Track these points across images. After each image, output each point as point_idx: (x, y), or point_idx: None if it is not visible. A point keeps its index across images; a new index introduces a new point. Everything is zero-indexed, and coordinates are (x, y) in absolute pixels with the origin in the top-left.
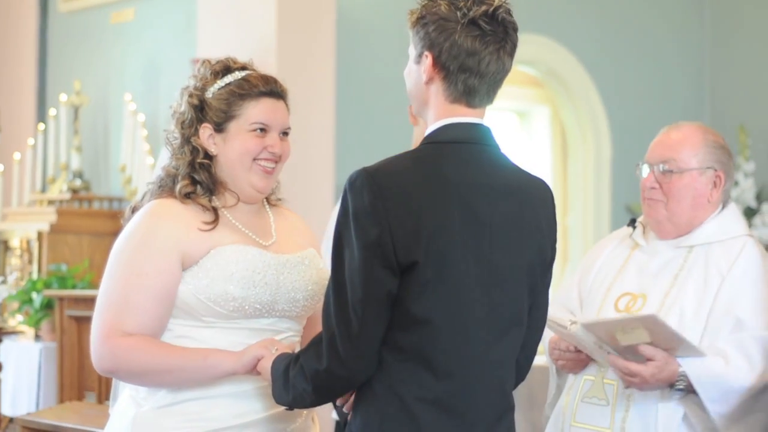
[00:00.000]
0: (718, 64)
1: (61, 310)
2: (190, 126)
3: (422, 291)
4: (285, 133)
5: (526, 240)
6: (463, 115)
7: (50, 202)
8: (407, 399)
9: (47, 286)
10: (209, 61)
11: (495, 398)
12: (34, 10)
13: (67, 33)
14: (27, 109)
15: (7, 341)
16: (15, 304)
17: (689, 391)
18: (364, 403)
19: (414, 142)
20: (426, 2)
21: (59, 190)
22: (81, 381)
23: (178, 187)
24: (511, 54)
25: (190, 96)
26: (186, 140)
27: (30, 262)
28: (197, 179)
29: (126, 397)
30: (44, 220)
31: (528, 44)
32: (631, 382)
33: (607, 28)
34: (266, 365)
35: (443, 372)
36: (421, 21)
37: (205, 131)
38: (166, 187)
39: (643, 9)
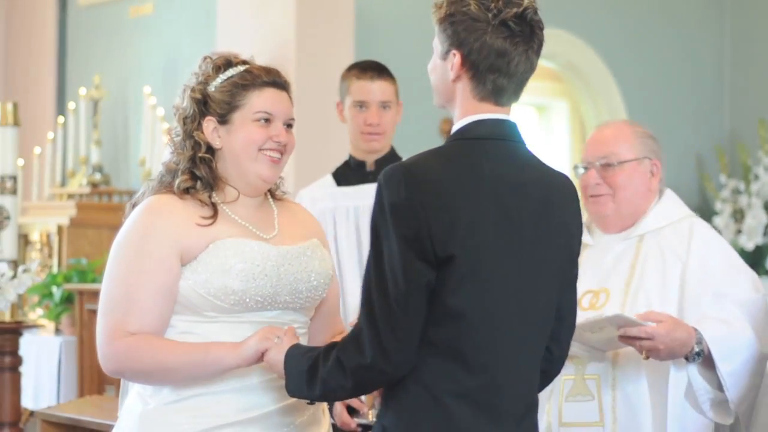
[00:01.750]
0: (738, 58)
1: (81, 303)
2: (192, 121)
3: (458, 285)
4: (289, 125)
5: (555, 235)
6: (491, 112)
7: (70, 196)
8: (439, 393)
9: (67, 280)
10: (210, 57)
11: (524, 392)
12: (54, 4)
13: (87, 27)
14: (47, 103)
15: (28, 335)
16: (35, 298)
17: (705, 356)
18: (395, 399)
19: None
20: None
21: (79, 183)
22: (101, 375)
23: (177, 181)
24: (538, 53)
25: (192, 91)
26: (188, 135)
27: (50, 256)
28: (197, 174)
29: (134, 395)
30: (64, 214)
31: (547, 38)
32: (647, 345)
33: (626, 21)
34: (276, 358)
35: (475, 366)
36: (449, 18)
37: (209, 124)
38: (165, 183)
39: (662, 3)
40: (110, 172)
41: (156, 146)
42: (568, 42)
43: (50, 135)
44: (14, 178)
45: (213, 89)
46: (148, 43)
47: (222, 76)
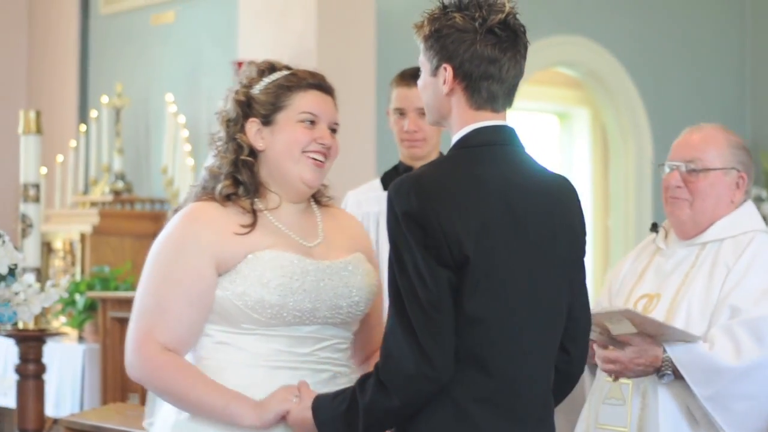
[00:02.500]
0: (760, 64)
1: (104, 311)
2: (235, 123)
3: (474, 290)
4: (333, 130)
5: (561, 235)
6: (489, 120)
7: (93, 204)
8: (461, 400)
9: (90, 287)
10: (254, 62)
11: (541, 392)
12: (76, 13)
13: (109, 35)
14: (69, 112)
15: (51, 343)
16: (58, 306)
17: (677, 376)
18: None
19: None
20: (435, 15)
21: (101, 191)
22: (124, 382)
23: (219, 187)
24: (525, 56)
25: (236, 93)
26: (231, 138)
27: (73, 263)
28: (240, 180)
29: (168, 405)
30: (87, 222)
31: (568, 45)
32: (612, 369)
33: (647, 28)
34: (300, 416)
35: (494, 370)
36: (436, 34)
37: (252, 126)
38: (208, 188)
39: (683, 9)
40: (132, 180)
41: (178, 154)
42: (589, 49)
43: (73, 143)
44: (37, 186)
45: (257, 91)
46: (169, 51)
47: (266, 79)
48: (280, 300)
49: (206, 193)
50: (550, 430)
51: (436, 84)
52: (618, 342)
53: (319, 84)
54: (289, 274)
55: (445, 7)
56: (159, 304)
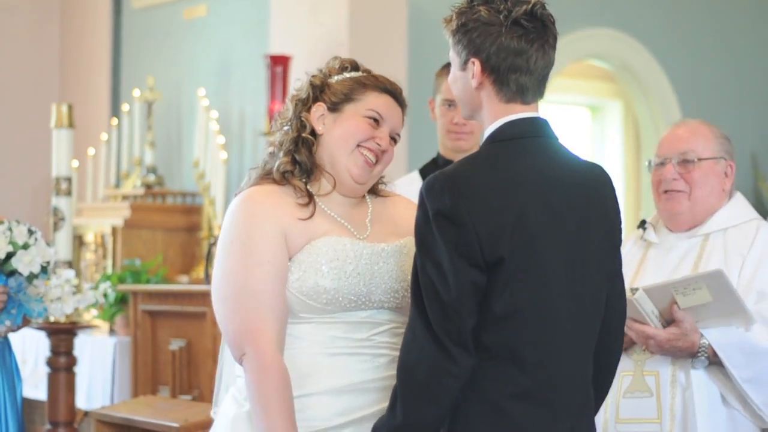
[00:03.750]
0: None
1: (135, 304)
2: (304, 104)
3: (507, 285)
4: (394, 139)
5: (598, 226)
6: (520, 112)
7: (124, 198)
8: (496, 397)
9: (121, 280)
10: (340, 57)
11: (579, 385)
12: (108, 7)
13: (141, 29)
14: (101, 105)
15: (82, 335)
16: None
17: (711, 361)
18: (455, 408)
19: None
20: (462, 9)
21: (133, 185)
22: (155, 375)
23: (277, 163)
24: (554, 46)
25: (314, 77)
26: (296, 115)
27: (104, 257)
28: (297, 159)
29: (229, 397)
30: (118, 215)
31: (600, 38)
32: (646, 344)
33: (680, 20)
34: None
35: (530, 365)
36: (462, 28)
37: (318, 109)
38: (267, 170)
39: (716, 1)
40: (164, 173)
41: (209, 147)
42: (621, 42)
43: (104, 137)
44: (69, 180)
45: (334, 80)
46: (201, 45)
47: (346, 74)
48: (334, 284)
49: (265, 175)
50: (590, 425)
51: (465, 78)
52: (662, 321)
53: (394, 92)
54: (343, 257)
55: (471, 0)
56: (254, 288)
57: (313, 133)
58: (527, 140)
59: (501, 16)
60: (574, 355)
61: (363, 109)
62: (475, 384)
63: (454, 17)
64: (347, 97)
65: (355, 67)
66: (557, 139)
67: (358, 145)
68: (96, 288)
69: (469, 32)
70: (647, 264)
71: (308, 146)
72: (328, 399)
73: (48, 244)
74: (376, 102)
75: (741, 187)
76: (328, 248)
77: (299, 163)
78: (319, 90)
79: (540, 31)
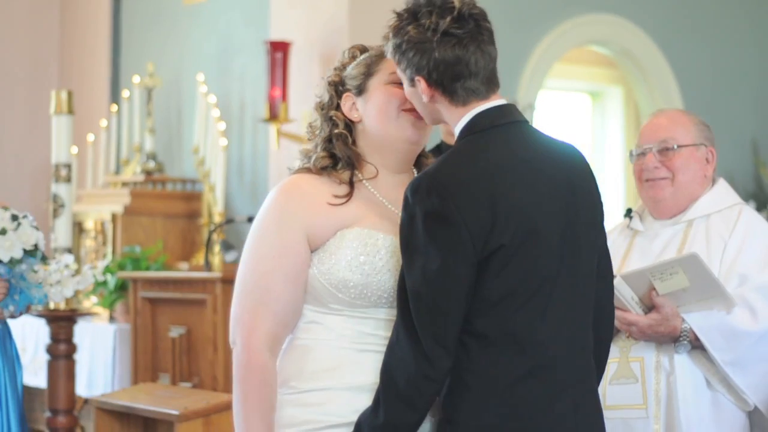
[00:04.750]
0: None
1: (135, 291)
2: (330, 104)
3: (501, 270)
4: None
5: (583, 202)
6: (483, 104)
7: (124, 184)
8: (501, 379)
9: (121, 267)
10: (347, 49)
11: (580, 360)
12: None
13: (141, 15)
14: (100, 91)
15: (82, 323)
16: (89, 286)
17: (694, 345)
18: (459, 397)
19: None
20: (395, 28)
21: (133, 171)
22: (155, 362)
23: (313, 158)
24: (491, 41)
25: (329, 76)
26: (325, 118)
27: (104, 243)
28: (334, 153)
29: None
30: (118, 202)
31: (601, 24)
32: (629, 331)
33: (680, 6)
34: None
35: (529, 345)
36: (398, 50)
37: (347, 101)
38: (304, 166)
39: None
40: (164, 160)
41: (209, 134)
42: (622, 27)
43: (104, 123)
44: (69, 167)
45: (349, 71)
46: (201, 31)
47: (359, 59)
48: (362, 279)
49: (303, 168)
50: (592, 395)
51: (417, 94)
52: (643, 307)
53: None
54: (373, 252)
55: (400, 17)
56: (258, 282)
57: (346, 126)
58: (501, 128)
59: (429, 33)
60: (572, 331)
61: (386, 77)
62: (478, 371)
63: (389, 38)
64: (366, 74)
65: (363, 50)
66: (527, 121)
67: (401, 110)
68: (94, 267)
69: (405, 52)
70: (633, 252)
71: (343, 140)
72: (349, 395)
73: (37, 228)
74: (395, 66)
75: (742, 174)
76: (358, 242)
77: (338, 157)
78: (340, 85)
79: (473, 32)
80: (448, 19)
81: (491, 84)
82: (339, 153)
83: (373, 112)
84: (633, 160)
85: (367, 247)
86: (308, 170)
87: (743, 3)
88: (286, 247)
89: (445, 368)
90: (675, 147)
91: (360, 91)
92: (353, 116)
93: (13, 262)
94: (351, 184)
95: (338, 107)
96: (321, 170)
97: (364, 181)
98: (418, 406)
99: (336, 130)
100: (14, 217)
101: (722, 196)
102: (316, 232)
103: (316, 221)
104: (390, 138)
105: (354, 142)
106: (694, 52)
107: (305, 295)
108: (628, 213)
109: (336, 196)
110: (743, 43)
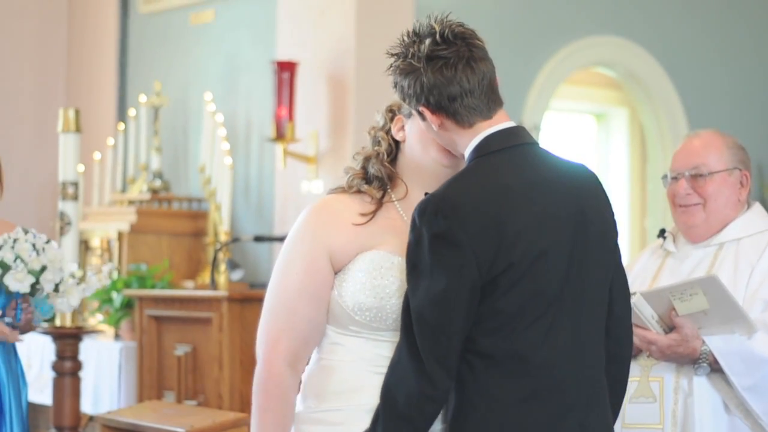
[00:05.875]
0: None
1: (141, 309)
2: (381, 127)
3: (508, 291)
4: None
5: (594, 224)
6: (491, 127)
7: (130, 203)
8: (506, 400)
9: (127, 285)
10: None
11: (589, 378)
12: (115, 12)
13: (148, 34)
14: (107, 110)
15: (88, 340)
16: (95, 304)
17: (713, 368)
18: (463, 417)
19: None
20: (390, 69)
21: (139, 190)
22: (160, 380)
23: (349, 176)
24: (482, 56)
25: (391, 104)
26: (373, 138)
27: (110, 261)
28: (369, 171)
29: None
30: (124, 220)
31: (606, 46)
32: (648, 349)
33: (686, 29)
34: None
35: (535, 366)
36: (396, 87)
37: (398, 123)
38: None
39: (722, 10)
40: (170, 178)
41: (215, 153)
42: (628, 49)
43: (111, 141)
44: (75, 185)
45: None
46: (208, 50)
47: None
48: (376, 303)
49: (339, 187)
50: (601, 417)
51: (428, 126)
52: (664, 327)
53: None
54: (389, 275)
55: (391, 59)
56: (282, 300)
57: (393, 148)
58: (510, 150)
59: (414, 60)
60: (579, 352)
61: None
62: (483, 392)
63: (391, 79)
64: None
65: None
66: (538, 144)
67: None
68: (99, 273)
69: (403, 89)
70: (663, 272)
71: (381, 157)
72: (367, 418)
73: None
74: None
75: None
76: (374, 265)
77: (373, 176)
78: (397, 109)
79: (460, 50)
80: (428, 42)
81: (492, 101)
82: (374, 170)
83: (415, 133)
84: (666, 184)
85: (382, 270)
86: (343, 190)
87: (749, 26)
88: (311, 266)
89: (446, 388)
90: (707, 173)
91: (410, 113)
92: (399, 136)
93: (32, 291)
94: (379, 202)
95: (389, 131)
96: (352, 187)
97: (394, 202)
98: (417, 425)
99: (377, 148)
100: (33, 246)
101: (755, 221)
102: (337, 254)
103: (339, 242)
104: (427, 159)
105: (394, 161)
106: (700, 75)
107: (328, 316)
108: (662, 233)
109: (362, 215)
110: (749, 65)
